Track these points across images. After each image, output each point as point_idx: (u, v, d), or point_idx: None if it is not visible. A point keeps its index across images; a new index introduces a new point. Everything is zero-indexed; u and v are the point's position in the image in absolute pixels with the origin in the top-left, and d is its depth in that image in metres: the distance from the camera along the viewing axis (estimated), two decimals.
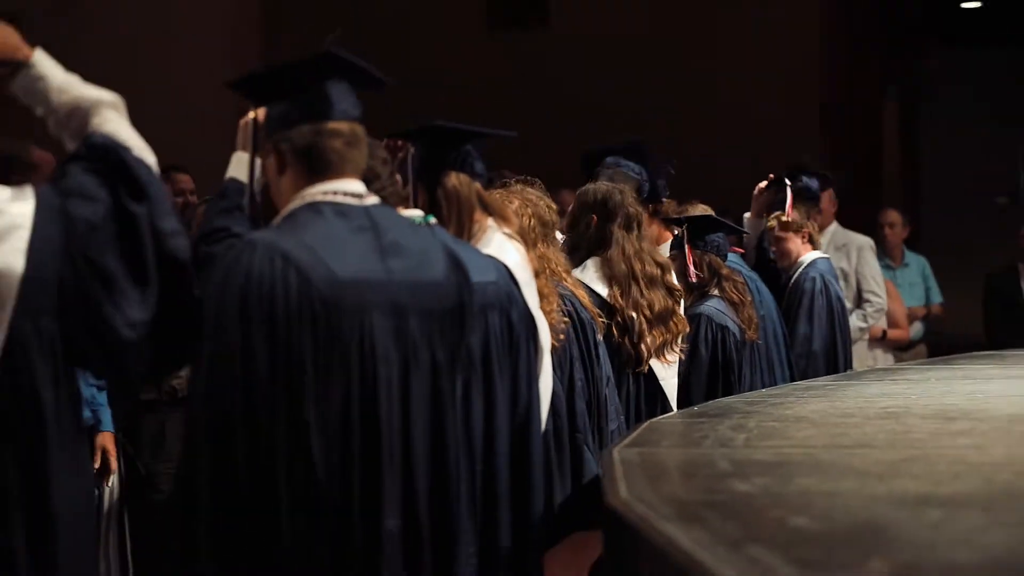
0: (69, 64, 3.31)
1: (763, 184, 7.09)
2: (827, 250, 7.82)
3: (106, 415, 5.76)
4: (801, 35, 12.04)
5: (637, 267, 5.38)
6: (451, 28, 12.66)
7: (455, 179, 4.19)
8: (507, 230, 4.21)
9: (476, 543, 3.57)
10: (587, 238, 5.46)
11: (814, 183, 7.26)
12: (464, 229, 4.15)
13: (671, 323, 5.42)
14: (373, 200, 3.46)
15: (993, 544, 2.48)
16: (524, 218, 4.71)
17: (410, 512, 3.38)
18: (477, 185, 4.24)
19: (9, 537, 3.01)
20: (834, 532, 2.59)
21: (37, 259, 2.99)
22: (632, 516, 2.73)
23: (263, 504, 3.26)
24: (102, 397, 5.69)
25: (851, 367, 7.23)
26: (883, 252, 9.41)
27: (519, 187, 5.08)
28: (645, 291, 5.37)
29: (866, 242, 8.84)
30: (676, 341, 5.45)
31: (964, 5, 14.11)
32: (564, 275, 4.90)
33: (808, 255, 7.11)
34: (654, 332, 5.36)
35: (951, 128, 14.69)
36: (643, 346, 5.34)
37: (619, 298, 5.33)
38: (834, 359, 6.98)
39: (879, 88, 14.11)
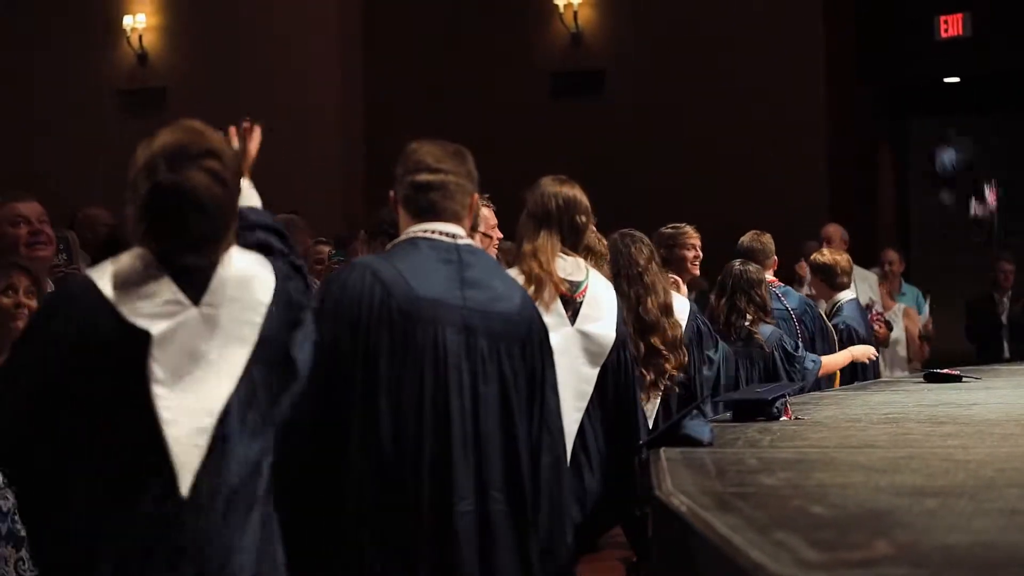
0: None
1: None
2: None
3: None
4: (807, 111, 11.92)
5: None
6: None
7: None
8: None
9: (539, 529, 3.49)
10: None
11: None
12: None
13: None
14: (466, 241, 3.45)
15: (980, 528, 2.46)
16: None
17: (482, 498, 3.31)
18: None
19: None
20: (846, 518, 2.56)
21: (269, 323, 2.79)
22: (676, 505, 2.71)
23: (332, 472, 3.21)
24: None
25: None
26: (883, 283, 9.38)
27: None
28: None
29: (874, 276, 9.20)
30: None
31: (946, 80, 14.05)
32: None
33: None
34: None
35: (935, 180, 14.56)
36: None
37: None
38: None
39: (875, 149, 14.04)
